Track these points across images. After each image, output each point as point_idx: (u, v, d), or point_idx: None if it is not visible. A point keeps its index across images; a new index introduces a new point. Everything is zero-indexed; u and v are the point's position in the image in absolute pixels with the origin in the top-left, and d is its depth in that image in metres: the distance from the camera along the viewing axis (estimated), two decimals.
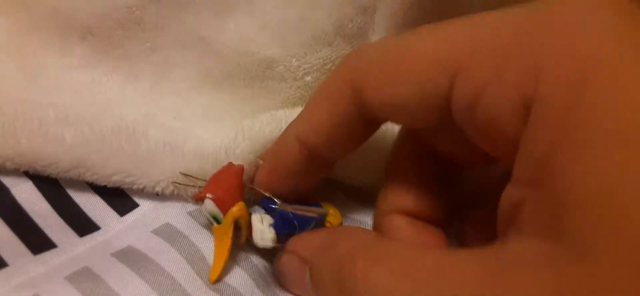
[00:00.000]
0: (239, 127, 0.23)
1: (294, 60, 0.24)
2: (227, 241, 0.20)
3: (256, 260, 0.21)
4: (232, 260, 0.21)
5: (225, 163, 0.22)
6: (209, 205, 0.20)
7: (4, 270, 0.19)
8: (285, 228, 0.20)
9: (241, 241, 0.21)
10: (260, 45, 0.24)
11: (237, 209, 0.20)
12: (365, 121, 0.19)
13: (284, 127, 0.21)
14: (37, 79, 0.24)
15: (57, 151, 0.21)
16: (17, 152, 0.21)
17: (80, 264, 0.20)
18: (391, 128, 0.23)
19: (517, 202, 0.14)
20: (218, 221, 0.20)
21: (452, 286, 0.14)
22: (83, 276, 0.19)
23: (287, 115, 0.23)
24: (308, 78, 0.24)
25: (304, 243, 0.20)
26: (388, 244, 0.17)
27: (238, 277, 0.20)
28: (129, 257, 0.20)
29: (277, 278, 0.21)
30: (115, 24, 0.24)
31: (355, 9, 0.23)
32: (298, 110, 0.21)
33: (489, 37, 0.15)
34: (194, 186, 0.22)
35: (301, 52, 0.24)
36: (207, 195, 0.20)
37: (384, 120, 0.19)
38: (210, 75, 0.25)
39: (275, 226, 0.20)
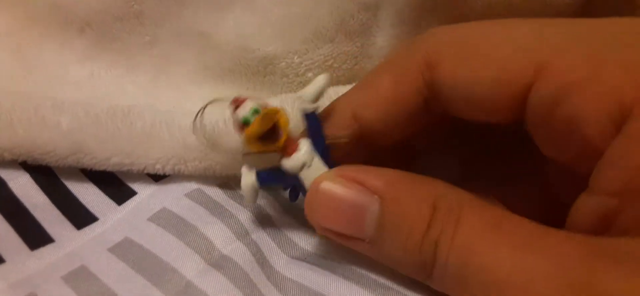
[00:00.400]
0: None
1: (295, 57, 0.24)
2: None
3: (255, 236, 0.21)
4: (233, 236, 0.21)
5: (224, 131, 0.22)
6: (250, 104, 0.18)
7: (1, 267, 0.19)
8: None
9: (278, 144, 0.18)
10: (261, 41, 0.24)
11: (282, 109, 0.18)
12: (428, 105, 0.18)
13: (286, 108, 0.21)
14: (35, 73, 0.24)
15: (54, 138, 0.21)
16: (14, 142, 0.21)
17: (77, 262, 0.19)
18: None
19: (609, 212, 0.14)
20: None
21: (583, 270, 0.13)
22: (79, 275, 0.19)
23: (290, 97, 0.23)
24: (310, 74, 0.24)
25: (371, 172, 0.17)
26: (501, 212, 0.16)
27: (239, 252, 0.20)
28: (127, 251, 0.20)
29: (310, 208, 0.18)
30: (114, 18, 0.24)
31: (357, 5, 0.23)
32: (302, 102, 0.21)
33: (587, 35, 0.15)
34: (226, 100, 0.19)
35: (303, 48, 0.24)
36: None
37: (446, 109, 0.18)
38: (211, 70, 0.25)
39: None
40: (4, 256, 0.19)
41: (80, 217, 0.21)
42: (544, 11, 0.23)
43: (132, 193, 0.22)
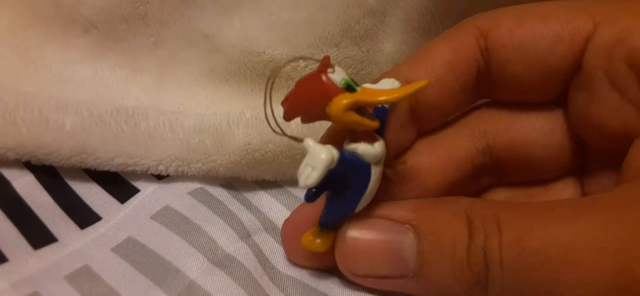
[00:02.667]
0: (245, 107, 0.23)
1: (301, 61, 0.24)
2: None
3: (257, 238, 0.22)
4: (236, 235, 0.21)
5: (227, 133, 0.22)
6: (342, 72, 0.16)
7: (4, 265, 0.19)
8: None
9: (373, 123, 0.17)
10: (267, 45, 0.24)
11: None
12: (479, 77, 0.18)
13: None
14: (38, 72, 0.25)
15: (58, 139, 0.22)
16: (18, 142, 0.21)
17: (80, 262, 0.20)
18: None
19: None
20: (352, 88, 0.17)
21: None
22: (82, 275, 0.19)
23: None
24: None
25: (392, 206, 0.17)
26: (521, 203, 0.17)
27: (242, 252, 0.21)
28: (130, 251, 0.20)
29: (343, 260, 0.18)
30: (119, 18, 0.24)
31: (363, 11, 0.24)
32: None
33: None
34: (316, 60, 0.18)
35: (308, 53, 0.24)
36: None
37: (496, 83, 0.19)
38: (215, 72, 0.25)
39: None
40: (7, 255, 0.19)
41: (84, 217, 0.22)
42: None
43: (135, 191, 0.23)
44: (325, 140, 0.18)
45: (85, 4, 0.24)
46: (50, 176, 0.22)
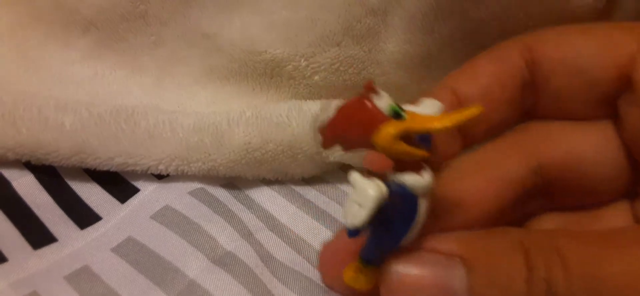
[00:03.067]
0: (245, 107, 0.23)
1: (302, 60, 0.24)
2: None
3: (259, 236, 0.22)
4: (236, 234, 0.21)
5: (227, 132, 0.22)
6: (388, 98, 0.15)
7: (4, 265, 0.19)
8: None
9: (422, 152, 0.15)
10: (268, 44, 0.24)
11: None
12: (524, 91, 0.18)
13: (289, 119, 0.21)
14: (38, 72, 0.25)
15: (57, 138, 0.22)
16: (17, 142, 0.21)
17: (80, 262, 0.20)
18: None
19: None
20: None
21: None
22: (82, 275, 0.19)
23: (297, 106, 0.23)
24: (316, 77, 0.24)
25: (439, 239, 0.16)
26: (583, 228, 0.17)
27: (243, 249, 0.21)
28: (129, 251, 0.20)
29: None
30: (119, 18, 0.24)
31: (365, 10, 0.23)
32: (309, 103, 0.21)
33: None
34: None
35: (309, 52, 0.24)
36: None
37: (541, 96, 0.19)
38: (216, 71, 0.25)
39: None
40: (7, 255, 0.19)
41: (84, 217, 0.22)
42: (563, 15, 0.23)
43: (135, 190, 0.23)
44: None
45: (85, 3, 0.24)
46: (50, 176, 0.22)
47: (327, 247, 0.19)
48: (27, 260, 0.19)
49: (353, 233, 0.15)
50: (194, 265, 0.20)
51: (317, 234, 0.22)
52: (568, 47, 0.18)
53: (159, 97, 0.25)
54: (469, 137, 0.19)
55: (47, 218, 0.21)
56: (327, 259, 0.19)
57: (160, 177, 0.23)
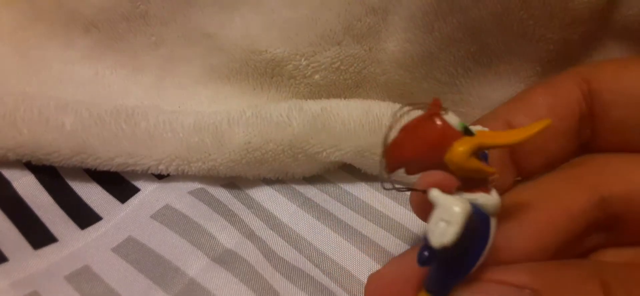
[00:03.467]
0: (246, 106, 0.23)
1: (302, 59, 0.24)
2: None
3: (262, 234, 0.22)
4: (237, 232, 0.21)
5: (228, 132, 0.22)
6: (454, 116, 0.15)
7: (4, 265, 0.19)
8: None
9: (491, 169, 0.15)
10: (268, 43, 0.24)
11: None
12: (581, 123, 0.18)
13: (289, 118, 0.21)
14: (39, 72, 0.25)
15: (58, 139, 0.22)
16: (18, 142, 0.21)
17: (80, 262, 0.20)
18: None
19: None
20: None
21: None
22: (82, 275, 0.19)
23: (297, 106, 0.23)
24: (317, 76, 0.24)
25: (507, 270, 0.16)
26: None
27: (243, 246, 0.21)
28: (130, 251, 0.20)
29: None
30: (119, 18, 0.24)
31: (365, 9, 0.23)
32: (310, 102, 0.21)
33: None
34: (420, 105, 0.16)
35: (310, 51, 0.24)
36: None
37: (599, 128, 0.18)
38: (216, 71, 0.25)
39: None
40: (7, 255, 0.19)
41: (84, 217, 0.22)
42: (564, 14, 0.23)
43: (136, 190, 0.23)
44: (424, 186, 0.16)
45: (86, 3, 0.24)
46: (51, 176, 0.22)
47: (376, 279, 0.18)
48: (27, 259, 0.19)
49: (426, 259, 0.14)
50: (194, 263, 0.20)
51: (318, 233, 0.22)
52: (628, 78, 0.17)
53: (159, 96, 0.25)
54: (523, 169, 0.18)
55: (47, 218, 0.21)
56: (377, 292, 0.18)
57: (160, 177, 0.23)
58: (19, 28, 0.25)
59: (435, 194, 0.14)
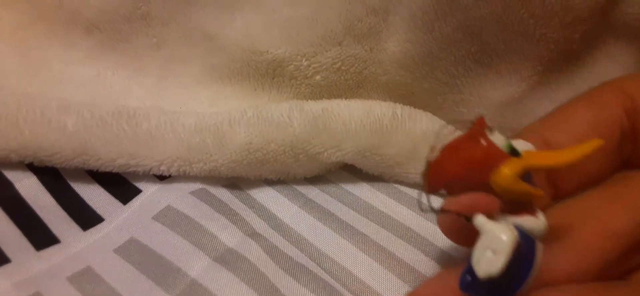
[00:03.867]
0: (247, 106, 0.23)
1: (303, 59, 0.24)
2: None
3: (265, 233, 0.22)
4: (239, 231, 0.21)
5: (229, 133, 0.22)
6: (501, 136, 0.14)
7: (6, 266, 0.19)
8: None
9: (538, 191, 0.14)
10: (269, 44, 0.24)
11: None
12: (623, 139, 0.17)
13: (290, 119, 0.21)
14: (40, 73, 0.25)
15: (60, 140, 0.22)
16: (20, 143, 0.21)
17: (82, 263, 0.20)
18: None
19: None
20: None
21: None
22: (85, 276, 0.19)
23: (298, 106, 0.23)
24: (318, 77, 0.24)
25: (555, 292, 0.15)
26: None
27: (246, 246, 0.21)
28: (132, 252, 0.20)
29: None
30: (121, 19, 0.24)
31: (366, 9, 0.23)
32: (310, 103, 0.21)
33: None
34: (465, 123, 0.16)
35: (311, 51, 0.24)
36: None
37: None
38: (218, 71, 0.25)
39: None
40: (10, 256, 0.19)
41: (86, 218, 0.22)
42: (564, 12, 0.22)
43: (137, 191, 0.23)
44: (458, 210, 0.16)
45: (87, 4, 0.24)
46: (53, 177, 0.22)
47: None
48: (30, 260, 0.19)
49: (469, 286, 0.14)
50: (196, 264, 0.20)
51: (320, 234, 0.22)
52: None
53: (161, 97, 0.25)
54: (561, 188, 0.18)
55: (49, 219, 0.21)
56: None
57: (162, 178, 0.23)
58: (19, 28, 0.25)
59: (481, 220, 0.13)
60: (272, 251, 0.21)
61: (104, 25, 0.24)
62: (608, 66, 0.24)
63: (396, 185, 0.24)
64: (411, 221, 0.23)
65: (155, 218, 0.21)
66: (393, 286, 0.21)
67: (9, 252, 0.19)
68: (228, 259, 0.20)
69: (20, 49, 0.25)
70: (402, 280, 0.21)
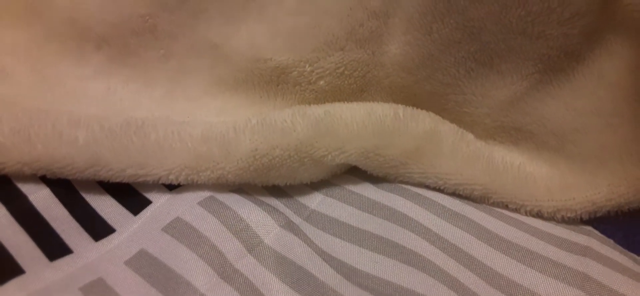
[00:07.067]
0: (251, 114, 0.23)
1: (307, 65, 0.24)
2: None
3: (270, 240, 0.22)
4: (244, 249, 0.21)
5: (234, 141, 0.22)
6: None
7: (21, 277, 0.19)
8: None
9: None
10: (273, 52, 0.24)
11: None
12: None
13: (294, 124, 0.21)
14: (54, 89, 0.25)
15: (71, 152, 0.22)
16: (33, 157, 0.21)
17: (94, 274, 0.20)
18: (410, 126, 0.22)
19: None
20: None
21: None
22: (97, 287, 0.19)
23: (301, 111, 0.23)
24: (322, 82, 0.24)
25: None
26: None
27: (250, 267, 0.20)
28: (142, 264, 0.20)
29: None
30: (129, 33, 0.24)
31: (367, 14, 0.23)
32: (313, 107, 0.21)
33: None
34: None
35: (314, 57, 0.24)
36: None
37: None
38: (224, 81, 0.25)
39: None
40: (24, 267, 0.19)
41: (98, 229, 0.22)
42: (562, 9, 0.22)
43: (147, 202, 0.23)
44: None
45: (97, 20, 0.24)
46: (66, 189, 0.22)
47: None
48: (43, 271, 0.19)
49: None
50: (203, 279, 0.19)
51: (328, 242, 0.22)
52: None
53: (169, 108, 0.25)
54: None
55: (62, 230, 0.21)
56: None
57: (171, 187, 0.23)
58: (33, 46, 0.25)
59: None
60: (279, 263, 0.20)
61: (113, 40, 0.24)
62: (608, 61, 0.23)
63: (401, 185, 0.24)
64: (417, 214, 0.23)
65: (165, 229, 0.21)
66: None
67: (23, 263, 0.19)
68: (233, 278, 0.20)
69: (35, 67, 0.25)
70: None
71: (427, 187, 0.24)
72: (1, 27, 0.25)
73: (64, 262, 0.20)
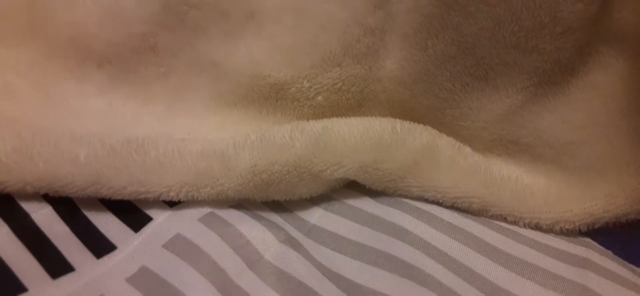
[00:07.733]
0: (251, 130, 0.23)
1: (305, 81, 0.24)
2: None
3: (270, 255, 0.22)
4: (244, 265, 0.21)
5: (234, 157, 0.22)
6: None
7: (24, 295, 0.19)
8: None
9: None
10: (272, 68, 0.24)
11: None
12: None
13: (292, 139, 0.21)
14: (56, 107, 0.25)
15: (73, 171, 0.22)
16: (35, 176, 0.21)
17: (96, 291, 0.20)
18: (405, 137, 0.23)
19: None
20: None
21: None
22: None
23: (299, 127, 0.23)
24: (320, 98, 0.24)
25: None
26: None
27: (250, 282, 0.20)
28: (143, 281, 0.20)
29: None
30: (130, 52, 0.25)
31: (363, 30, 0.23)
32: (311, 123, 0.21)
33: None
34: None
35: (312, 73, 0.24)
36: None
37: None
38: (224, 97, 0.25)
39: None
40: (27, 285, 0.19)
41: (100, 246, 0.22)
42: (554, 24, 0.22)
43: (148, 219, 0.23)
44: None
45: (99, 39, 0.24)
46: (68, 207, 0.22)
47: None
48: (46, 289, 0.19)
49: None
50: (204, 295, 0.20)
51: (328, 258, 0.22)
52: None
53: (170, 125, 0.25)
54: None
55: (64, 247, 0.21)
56: None
57: (172, 204, 0.23)
58: (35, 64, 0.25)
59: None
60: (280, 279, 0.20)
61: (114, 58, 0.25)
62: (602, 74, 0.24)
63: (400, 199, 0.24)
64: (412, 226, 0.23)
65: (165, 246, 0.21)
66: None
67: (26, 281, 0.19)
68: (234, 293, 0.20)
69: (38, 86, 0.25)
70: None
71: (426, 200, 0.24)
72: (4, 46, 0.25)
73: (66, 280, 0.20)
